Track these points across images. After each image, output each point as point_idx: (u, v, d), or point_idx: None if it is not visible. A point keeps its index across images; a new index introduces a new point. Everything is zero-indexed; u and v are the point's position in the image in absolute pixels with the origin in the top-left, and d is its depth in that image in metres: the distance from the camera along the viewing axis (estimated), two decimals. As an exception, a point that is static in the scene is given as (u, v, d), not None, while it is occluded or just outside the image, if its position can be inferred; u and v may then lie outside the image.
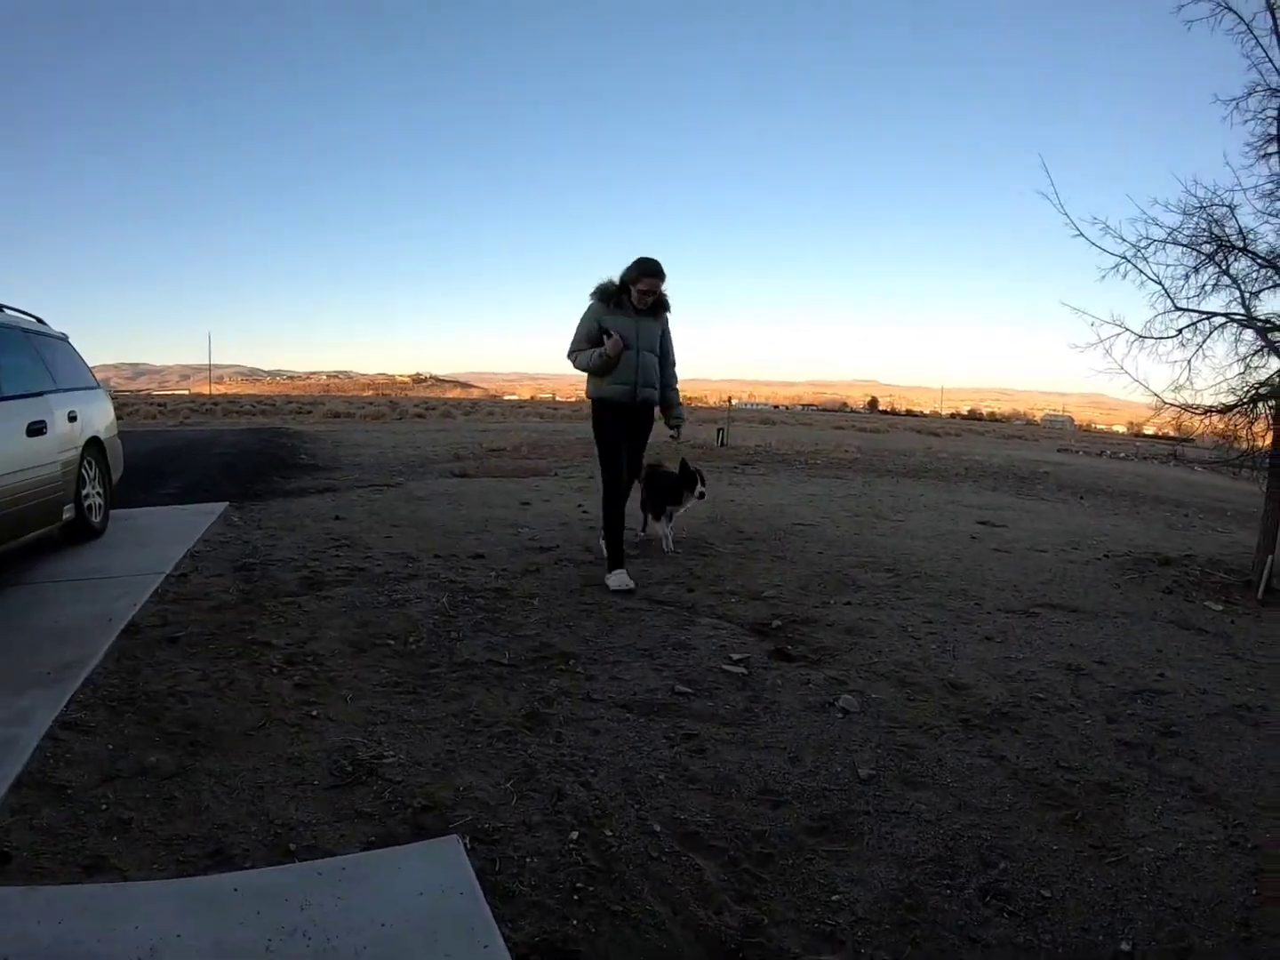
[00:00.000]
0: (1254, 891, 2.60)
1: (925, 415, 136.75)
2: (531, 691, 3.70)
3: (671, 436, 6.97)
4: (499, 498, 9.42)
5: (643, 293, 5.98)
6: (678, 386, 6.60)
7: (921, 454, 23.67)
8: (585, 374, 6.16)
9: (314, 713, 3.38)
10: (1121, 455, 35.36)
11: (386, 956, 2.01)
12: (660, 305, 6.22)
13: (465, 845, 2.48)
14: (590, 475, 12.29)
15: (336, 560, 5.90)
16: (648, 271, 5.98)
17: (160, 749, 3.04)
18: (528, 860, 2.46)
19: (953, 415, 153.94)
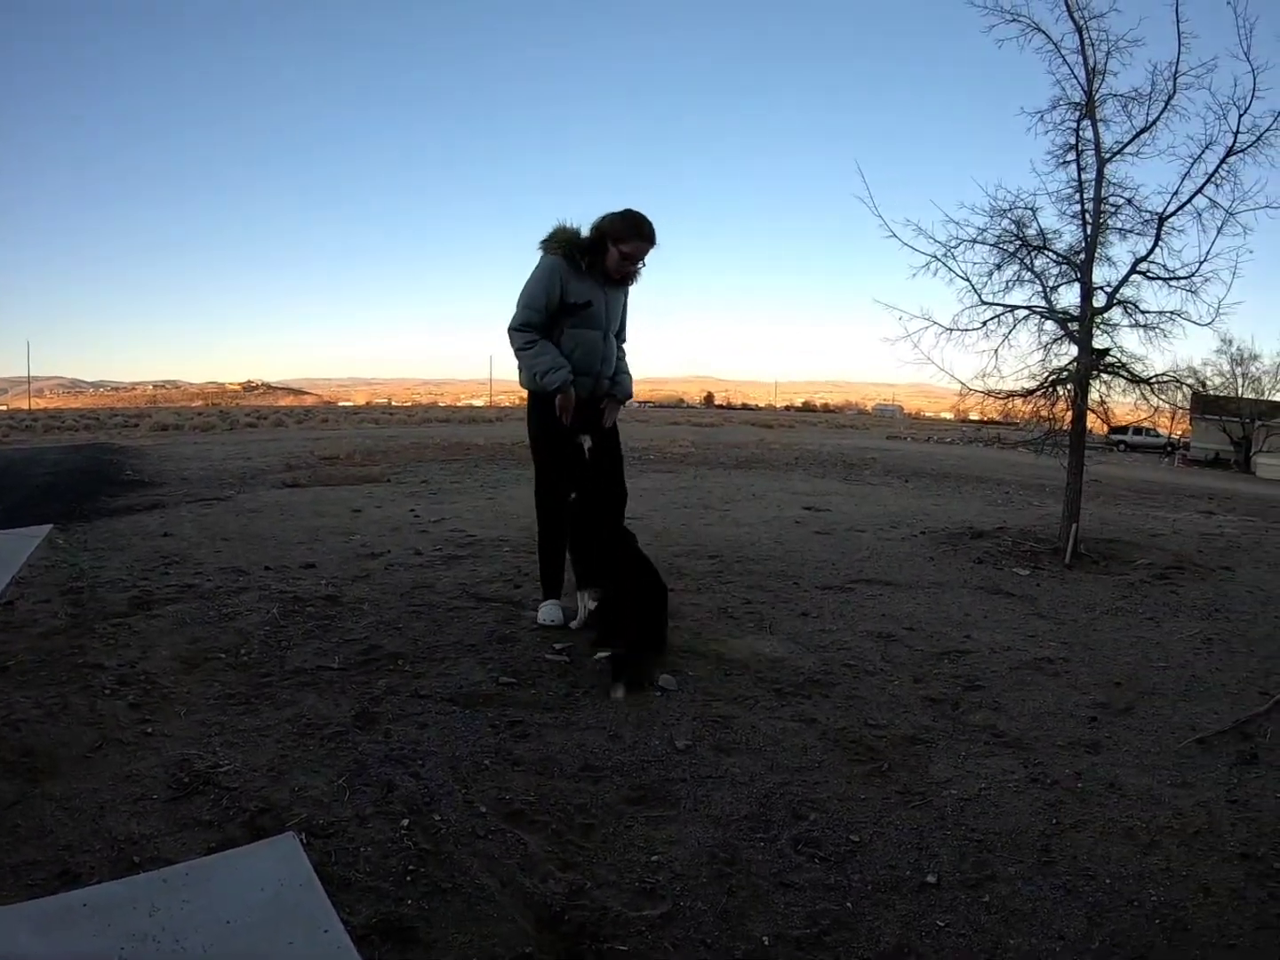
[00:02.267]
0: (1054, 821, 2.87)
1: (760, 408, 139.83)
2: (361, 693, 3.72)
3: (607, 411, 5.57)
4: (331, 506, 9.30)
5: (626, 257, 4.78)
6: (627, 368, 5.35)
7: (754, 446, 24.33)
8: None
9: (149, 730, 3.33)
10: (948, 440, 37.11)
11: (234, 950, 2.06)
12: (632, 276, 5.08)
13: (302, 841, 2.52)
14: (423, 479, 12.24)
15: (166, 578, 5.74)
16: (641, 233, 4.76)
17: None
18: (362, 849, 2.52)
19: (787, 408, 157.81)
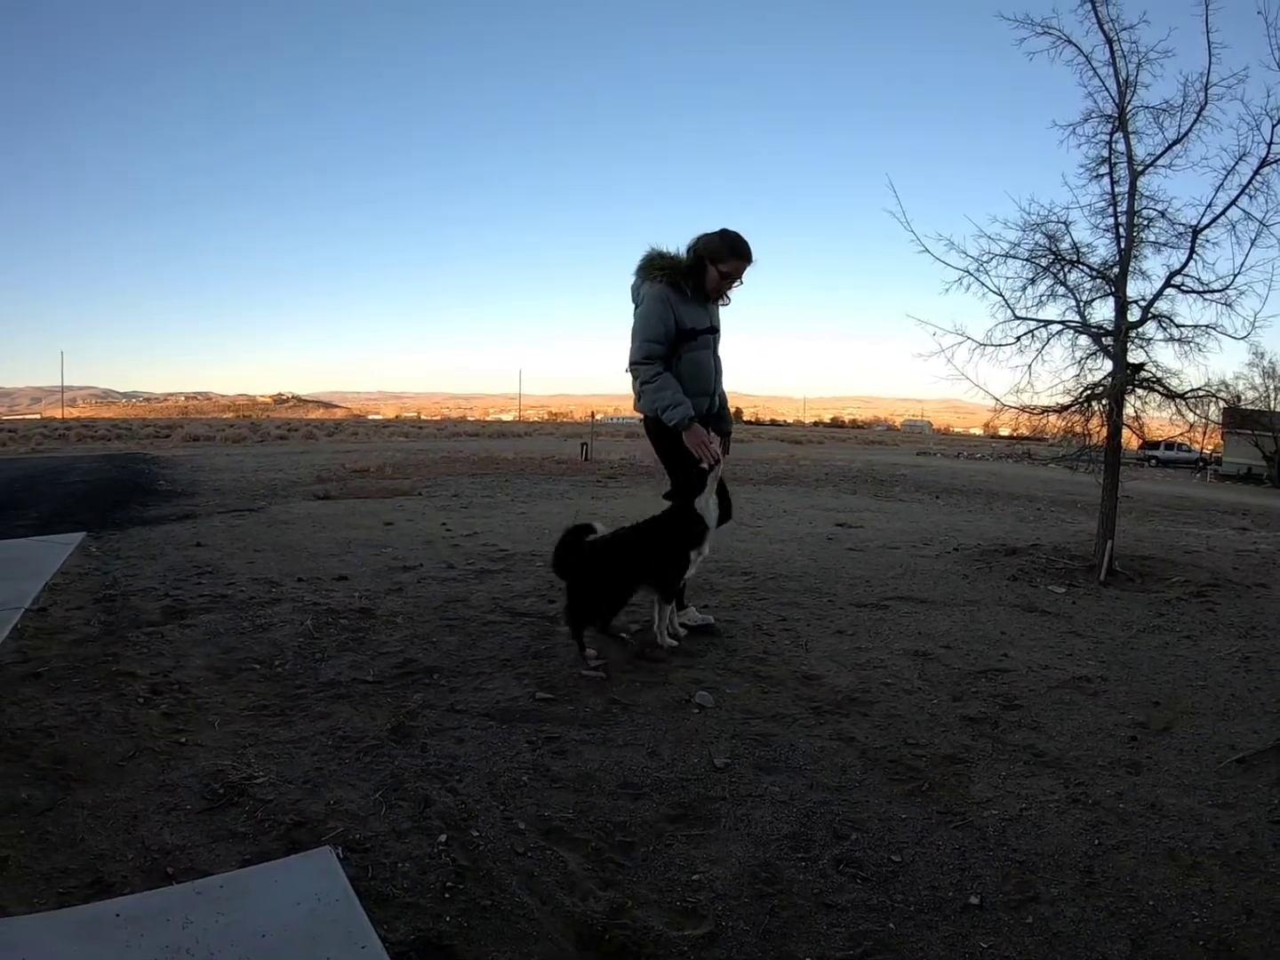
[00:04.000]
0: (1096, 842, 2.85)
1: (788, 424, 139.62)
2: (397, 706, 3.75)
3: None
4: (363, 519, 9.38)
5: (725, 277, 4.84)
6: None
7: (783, 462, 24.30)
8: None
9: (183, 740, 3.36)
10: (978, 456, 36.97)
11: (270, 965, 2.07)
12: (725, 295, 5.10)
13: (338, 855, 2.53)
14: (454, 493, 12.28)
15: (199, 588, 5.80)
16: (739, 252, 4.81)
17: (31, 785, 2.99)
18: (399, 865, 2.53)
19: (815, 423, 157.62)
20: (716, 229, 4.84)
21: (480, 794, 2.99)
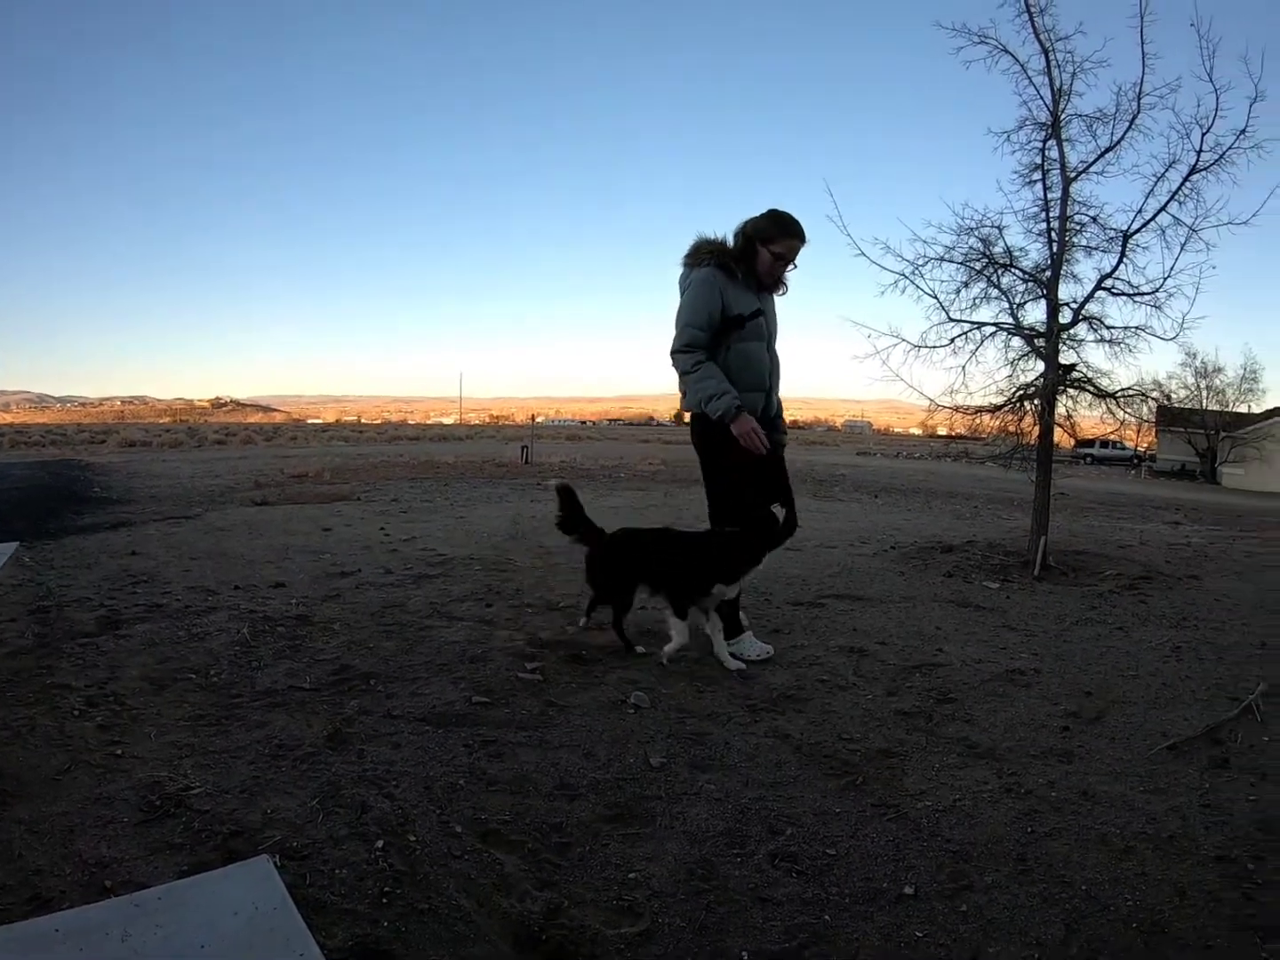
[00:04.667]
0: (1029, 830, 2.92)
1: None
2: (333, 713, 3.72)
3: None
4: (300, 525, 9.27)
5: (779, 259, 4.59)
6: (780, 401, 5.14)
7: (723, 464, 24.43)
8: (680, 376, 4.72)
9: (119, 752, 3.31)
10: (916, 456, 37.49)
11: (210, 975, 2.06)
12: (781, 280, 4.83)
13: (275, 864, 2.51)
14: (394, 498, 12.20)
15: (134, 597, 5.70)
16: (792, 230, 4.58)
17: (-34, 802, 2.95)
18: (336, 871, 2.51)
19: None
20: (764, 210, 4.62)
21: (417, 799, 2.98)
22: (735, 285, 4.53)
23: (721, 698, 4.05)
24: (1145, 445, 58.07)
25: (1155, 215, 7.47)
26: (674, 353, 4.61)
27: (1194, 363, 51.72)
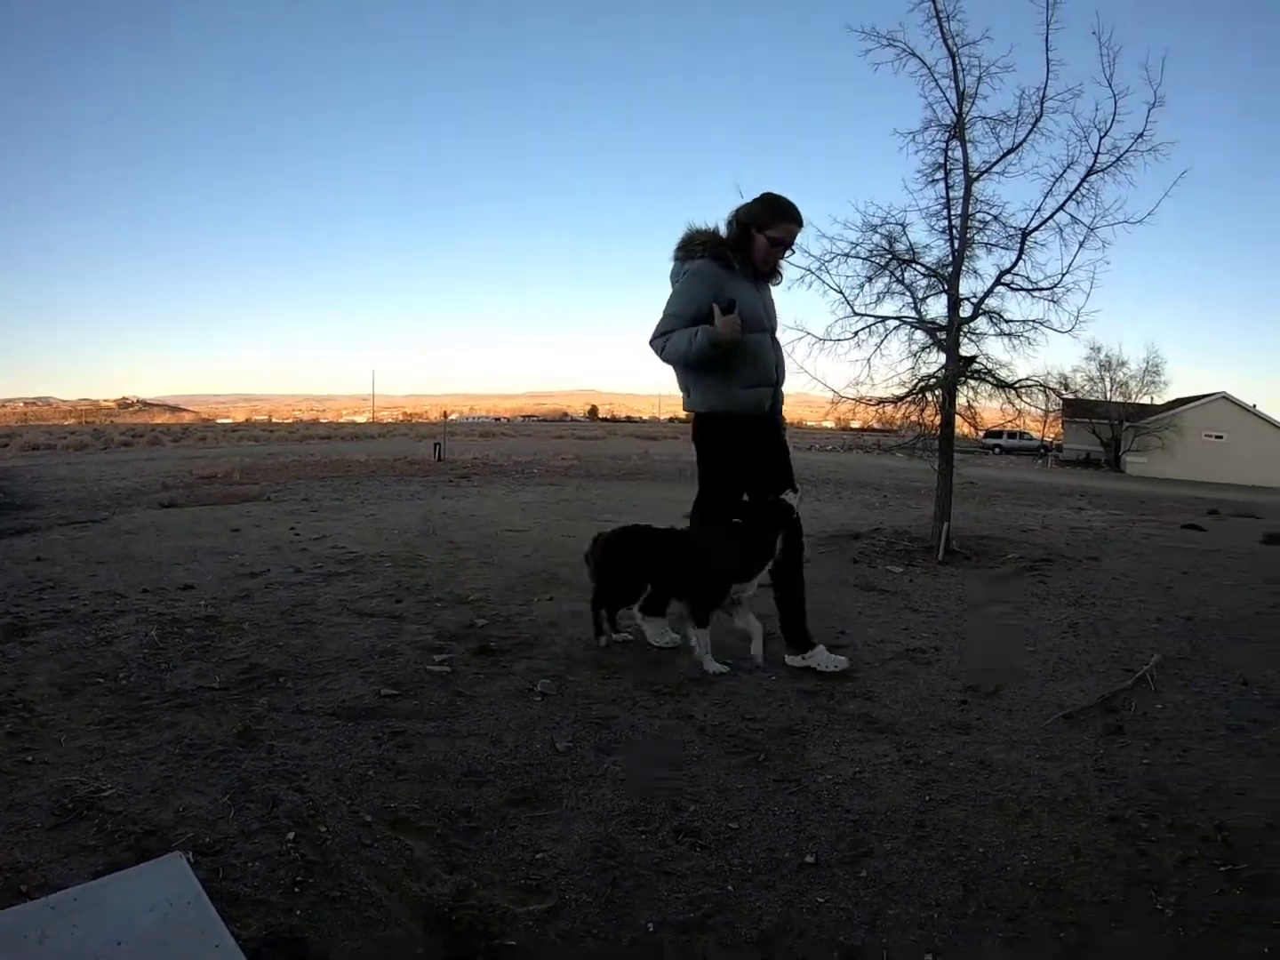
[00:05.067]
0: (927, 798, 3.04)
1: (644, 420, 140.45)
2: (243, 711, 3.69)
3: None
4: (209, 526, 9.09)
5: (775, 244, 4.39)
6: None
7: (638, 458, 24.61)
8: (677, 369, 4.56)
9: (29, 758, 3.25)
10: (828, 448, 37.95)
11: (128, 971, 2.06)
12: (778, 269, 4.66)
13: (189, 860, 2.50)
14: (304, 497, 12.05)
15: (40, 603, 5.55)
16: (788, 214, 4.37)
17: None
18: (249, 865, 2.52)
19: (671, 419, 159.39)
20: (757, 195, 4.42)
21: (327, 791, 2.98)
22: (733, 278, 4.32)
23: (627, 683, 4.11)
24: (1052, 436, 59.90)
25: (1053, 214, 7.83)
26: (652, 341, 4.44)
27: (1099, 356, 53.51)
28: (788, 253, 4.61)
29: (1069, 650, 4.88)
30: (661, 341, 4.34)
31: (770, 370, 4.45)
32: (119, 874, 2.48)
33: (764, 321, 4.43)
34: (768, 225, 4.32)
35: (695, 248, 4.39)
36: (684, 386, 4.54)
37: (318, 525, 9.06)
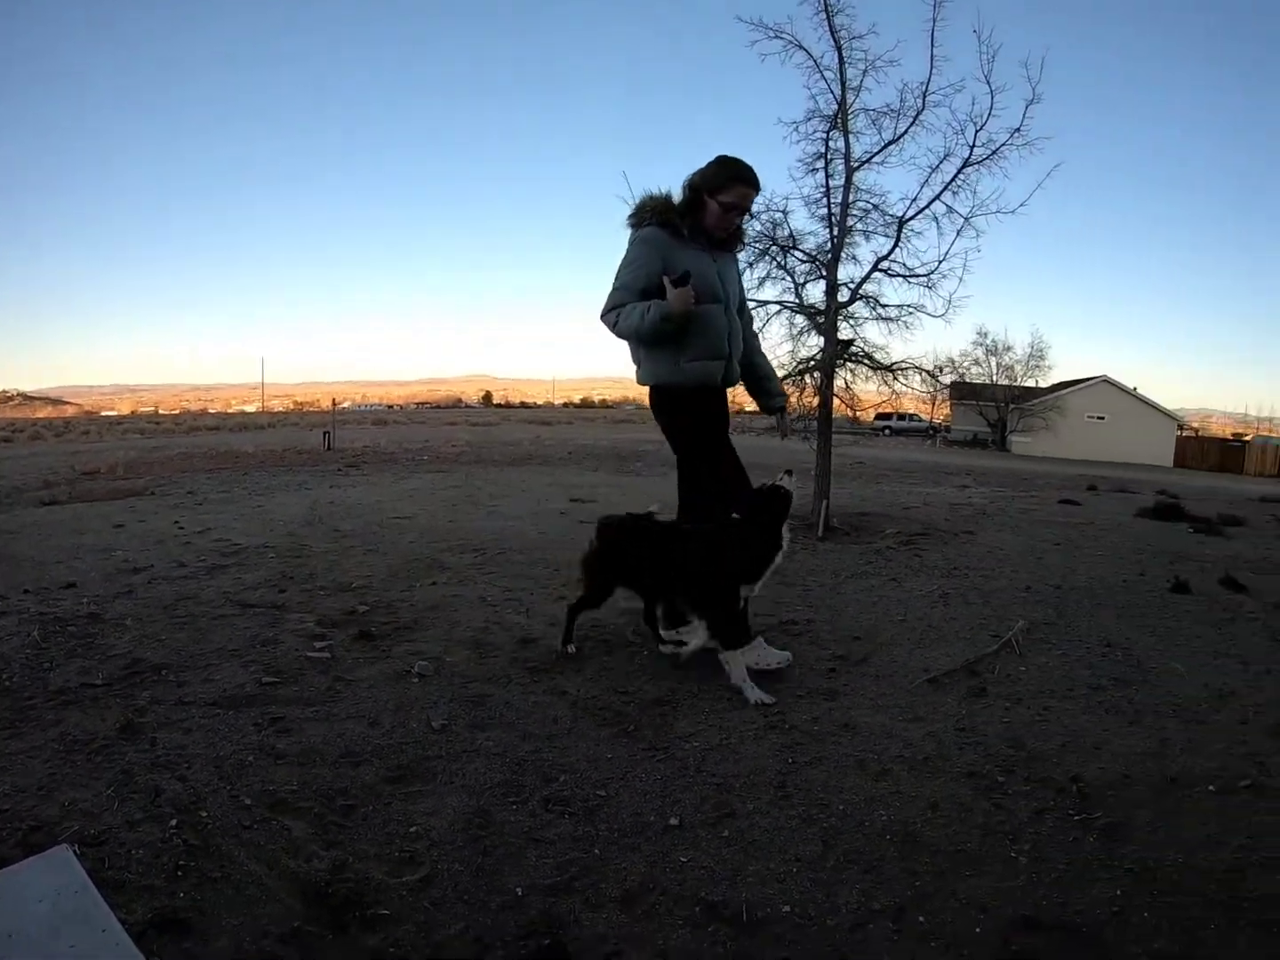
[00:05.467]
0: (790, 760, 3.18)
1: (539, 406, 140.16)
2: (126, 705, 3.66)
3: (777, 428, 5.15)
4: (93, 523, 8.82)
5: (730, 209, 4.17)
6: (767, 358, 4.87)
7: (529, 443, 24.61)
8: (630, 343, 4.39)
9: None
10: (722, 430, 38.62)
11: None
12: (740, 234, 4.58)
13: (75, 852, 2.51)
14: (189, 491, 11.80)
15: None
16: (743, 176, 4.15)
17: None
18: (133, 852, 2.54)
19: (565, 404, 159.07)
20: (715, 158, 4.21)
21: (208, 778, 3.00)
22: (682, 245, 4.14)
23: (503, 662, 4.18)
24: (941, 417, 61.45)
25: (930, 204, 8.19)
26: (603, 315, 4.26)
27: (985, 341, 55.06)
28: (744, 218, 4.44)
29: (938, 619, 5.08)
30: (614, 316, 4.19)
31: (722, 342, 4.26)
32: (7, 869, 2.50)
33: (716, 292, 4.21)
34: (720, 189, 4.13)
35: (645, 215, 4.22)
36: (635, 360, 4.43)
37: (203, 518, 8.91)
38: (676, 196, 4.25)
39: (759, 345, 4.80)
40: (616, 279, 4.20)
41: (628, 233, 4.30)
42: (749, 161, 4.20)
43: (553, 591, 5.49)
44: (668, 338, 4.12)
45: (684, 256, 4.10)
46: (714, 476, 4.40)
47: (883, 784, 3.03)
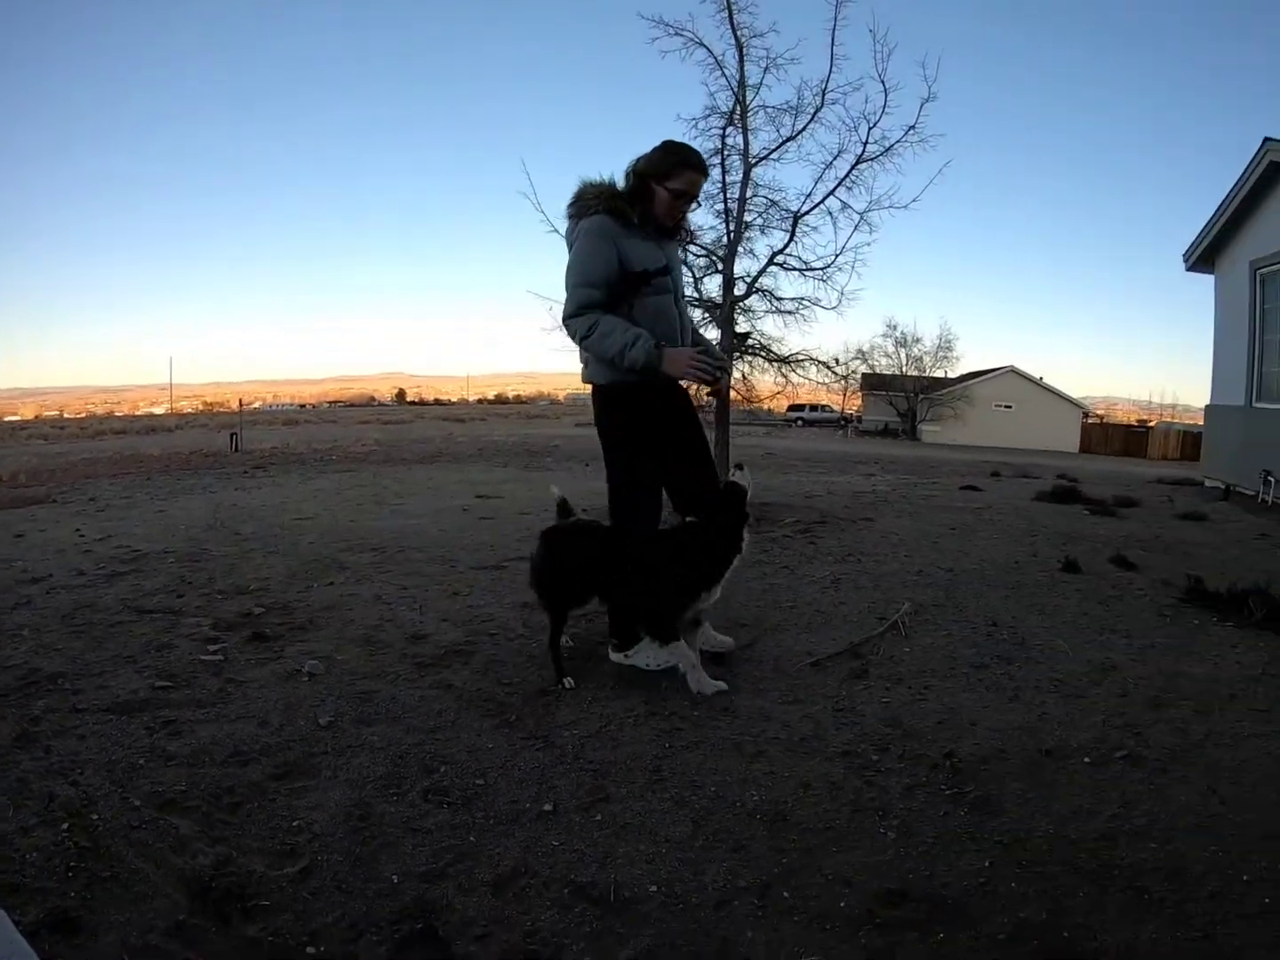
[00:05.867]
0: (667, 745, 3.30)
1: (453, 403, 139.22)
2: (20, 715, 3.65)
3: (710, 394, 5.13)
4: (-10, 533, 8.70)
5: (679, 197, 3.96)
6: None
7: (440, 441, 24.50)
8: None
9: None
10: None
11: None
12: (682, 225, 4.31)
13: None
14: (92, 497, 11.58)
15: None
16: (690, 161, 3.95)
17: None
18: (27, 856, 2.56)
19: (479, 401, 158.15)
20: (661, 143, 4.01)
21: (100, 782, 3.02)
22: (631, 234, 3.90)
23: (393, 658, 4.24)
24: (853, 408, 62.39)
25: (824, 199, 8.39)
26: (566, 320, 3.98)
27: (895, 333, 56.02)
28: (692, 206, 4.20)
29: (827, 604, 5.22)
30: (584, 325, 3.87)
31: (674, 336, 4.03)
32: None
33: (667, 284, 4.03)
34: (669, 176, 3.89)
35: (589, 202, 3.94)
36: (583, 358, 4.18)
37: (104, 525, 8.77)
38: (620, 184, 3.99)
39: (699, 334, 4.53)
40: (572, 275, 3.92)
41: (565, 224, 4.11)
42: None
43: (447, 588, 5.56)
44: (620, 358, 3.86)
45: (636, 246, 3.90)
46: (662, 472, 4.16)
47: (757, 765, 3.15)
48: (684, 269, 8.49)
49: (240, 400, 42.65)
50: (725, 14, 8.02)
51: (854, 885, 2.47)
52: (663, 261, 3.98)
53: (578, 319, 3.88)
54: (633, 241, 3.88)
